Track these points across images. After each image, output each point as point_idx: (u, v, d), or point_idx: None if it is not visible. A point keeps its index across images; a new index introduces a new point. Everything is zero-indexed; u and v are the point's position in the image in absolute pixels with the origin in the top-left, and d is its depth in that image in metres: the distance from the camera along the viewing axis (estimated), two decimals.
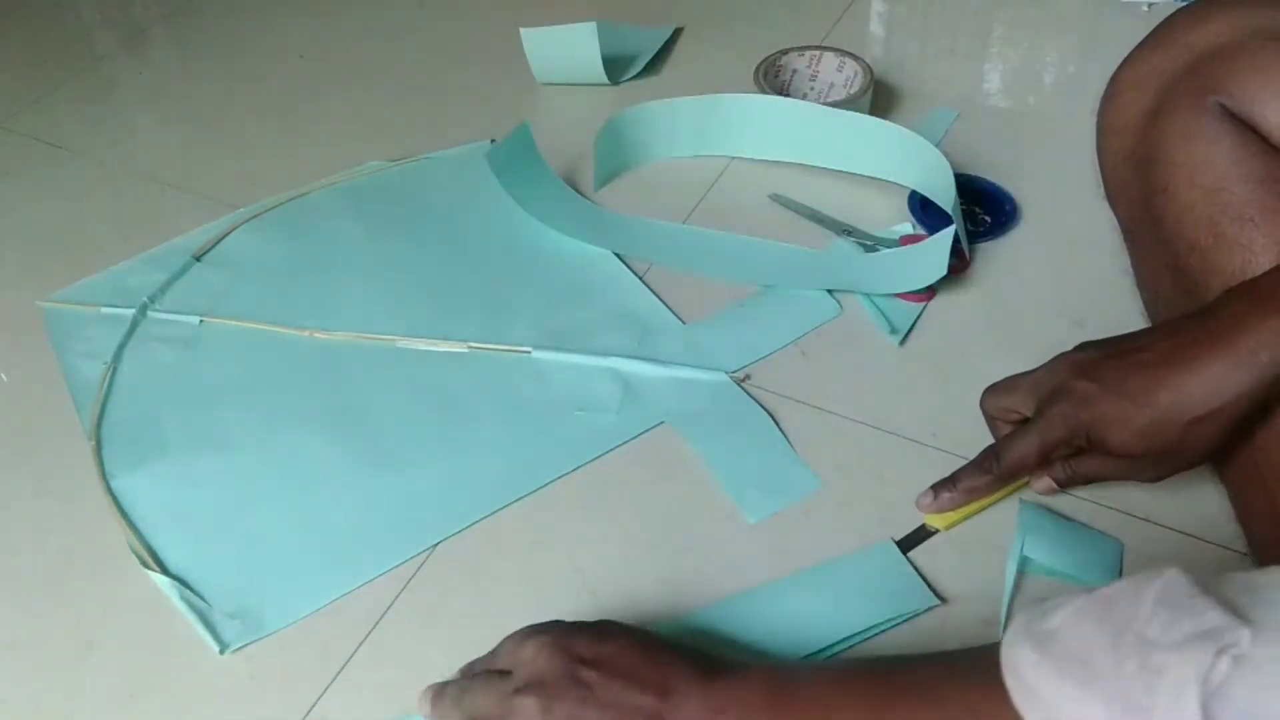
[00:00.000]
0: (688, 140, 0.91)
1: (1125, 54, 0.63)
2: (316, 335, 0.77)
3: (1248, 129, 0.56)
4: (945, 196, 0.79)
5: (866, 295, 0.77)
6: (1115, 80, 0.62)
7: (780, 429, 0.69)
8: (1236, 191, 0.55)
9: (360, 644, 0.60)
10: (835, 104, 0.88)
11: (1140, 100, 0.60)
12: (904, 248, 0.79)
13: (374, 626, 0.60)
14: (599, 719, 0.45)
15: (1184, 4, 0.63)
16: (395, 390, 0.73)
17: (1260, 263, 0.54)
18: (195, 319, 0.78)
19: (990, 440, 0.62)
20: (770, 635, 0.58)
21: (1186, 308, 0.59)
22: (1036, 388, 0.59)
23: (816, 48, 0.93)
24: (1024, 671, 0.35)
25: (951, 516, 0.62)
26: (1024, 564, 0.60)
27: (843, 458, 0.67)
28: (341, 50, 1.08)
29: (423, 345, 0.76)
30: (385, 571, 0.63)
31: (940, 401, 0.70)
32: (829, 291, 0.77)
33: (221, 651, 0.59)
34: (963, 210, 0.84)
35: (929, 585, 0.60)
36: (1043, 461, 0.58)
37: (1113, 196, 0.66)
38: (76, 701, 0.58)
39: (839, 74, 0.92)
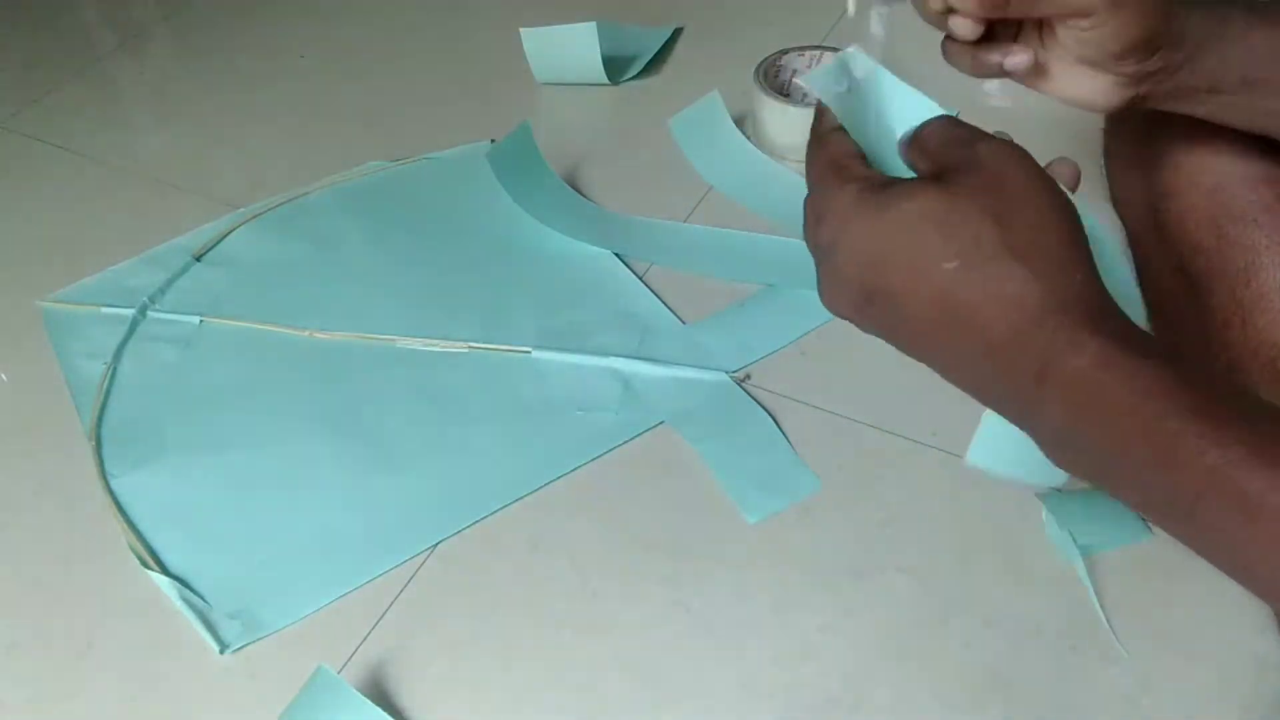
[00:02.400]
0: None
1: None
2: (316, 335, 0.77)
3: (1249, 132, 0.56)
4: None
5: None
6: None
7: (780, 429, 0.69)
8: (1238, 192, 0.55)
9: (360, 644, 0.60)
10: None
11: None
12: None
13: (374, 626, 0.60)
14: None
15: None
16: (395, 390, 0.73)
17: (1264, 263, 0.54)
18: (195, 319, 0.78)
19: None
20: None
21: (1191, 310, 0.59)
22: None
23: (816, 48, 0.93)
24: None
25: None
26: (1085, 552, 0.60)
27: (843, 458, 0.67)
28: (341, 50, 1.08)
29: (423, 345, 0.76)
30: (385, 571, 0.63)
31: (940, 401, 0.70)
32: None
33: (221, 651, 0.59)
34: None
35: None
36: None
37: (1118, 200, 0.66)
38: (76, 701, 0.58)
39: None
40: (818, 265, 0.42)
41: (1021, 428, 0.39)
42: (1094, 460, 0.37)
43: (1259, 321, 0.54)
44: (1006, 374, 0.37)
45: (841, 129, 0.44)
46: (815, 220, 0.42)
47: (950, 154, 0.41)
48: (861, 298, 0.40)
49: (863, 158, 0.43)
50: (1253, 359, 0.55)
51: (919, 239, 0.38)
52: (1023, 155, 0.40)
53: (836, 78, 0.44)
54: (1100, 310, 0.37)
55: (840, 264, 0.40)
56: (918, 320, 0.39)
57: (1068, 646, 0.57)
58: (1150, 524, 0.39)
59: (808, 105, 0.89)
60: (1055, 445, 0.38)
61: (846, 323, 0.76)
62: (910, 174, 0.43)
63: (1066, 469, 0.39)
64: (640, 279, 0.80)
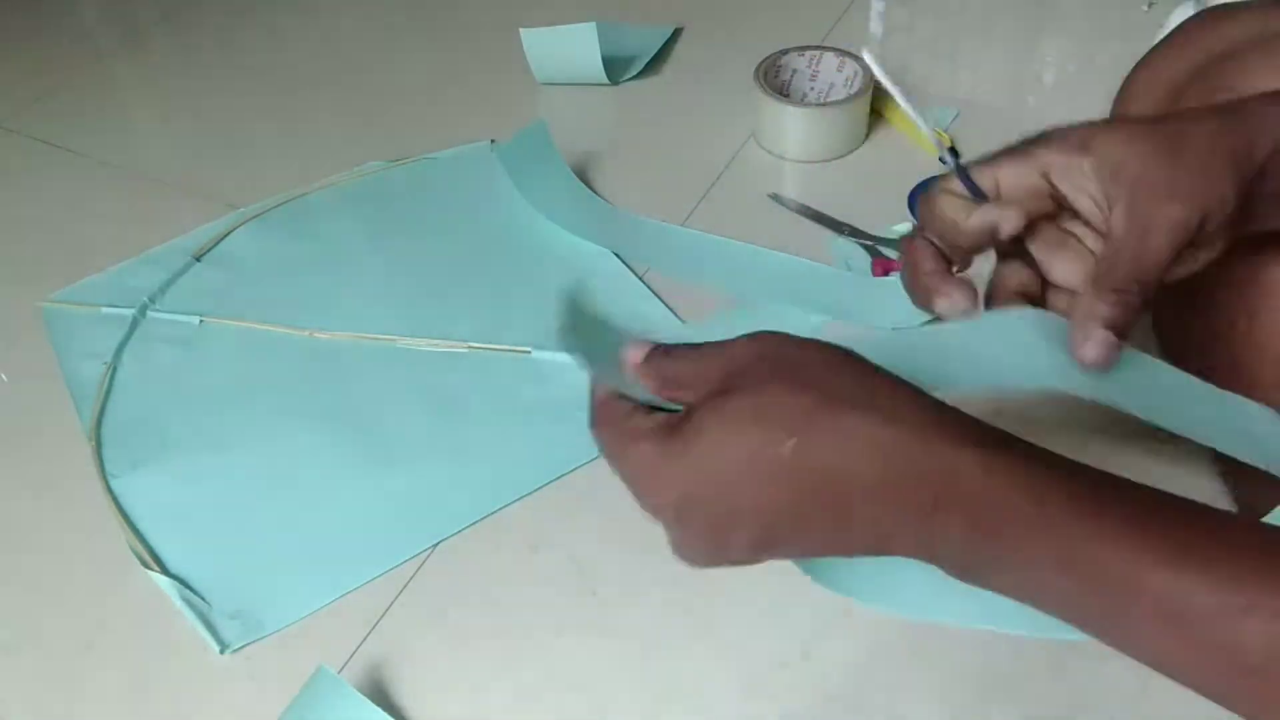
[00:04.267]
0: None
1: (1126, 54, 0.63)
2: (316, 335, 0.77)
3: None
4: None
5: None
6: (1129, 82, 0.62)
7: None
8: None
9: (360, 644, 0.60)
10: (835, 104, 0.88)
11: (1153, 101, 0.60)
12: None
13: (374, 626, 0.60)
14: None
15: (1193, 7, 0.63)
16: (395, 390, 0.73)
17: (1270, 261, 0.54)
18: (195, 319, 0.78)
19: None
20: None
21: (1195, 307, 0.59)
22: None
23: (816, 48, 0.93)
24: None
25: None
26: None
27: None
28: (341, 50, 1.08)
29: (423, 345, 0.76)
30: (385, 571, 0.63)
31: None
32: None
33: (221, 651, 0.59)
34: None
35: None
36: None
37: None
38: (76, 701, 0.58)
39: (839, 74, 0.92)
40: (665, 529, 0.40)
41: (934, 564, 0.37)
42: (1009, 578, 0.36)
43: (1264, 320, 0.54)
44: (898, 513, 0.35)
45: (613, 393, 0.41)
46: (636, 494, 0.40)
47: (707, 367, 0.39)
48: (720, 535, 0.38)
49: (642, 409, 0.40)
50: (1258, 357, 0.55)
51: (743, 443, 0.36)
52: (773, 333, 0.39)
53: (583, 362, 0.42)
54: (954, 423, 0.36)
55: (682, 517, 0.38)
56: (789, 515, 0.36)
57: (1068, 647, 0.57)
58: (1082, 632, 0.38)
59: (808, 105, 0.89)
60: (967, 571, 0.36)
61: (848, 324, 0.76)
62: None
63: (992, 589, 0.37)
64: (640, 279, 0.80)
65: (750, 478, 0.36)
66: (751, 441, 0.36)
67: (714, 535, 0.38)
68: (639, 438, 0.38)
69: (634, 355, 0.41)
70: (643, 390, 0.40)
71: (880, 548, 0.37)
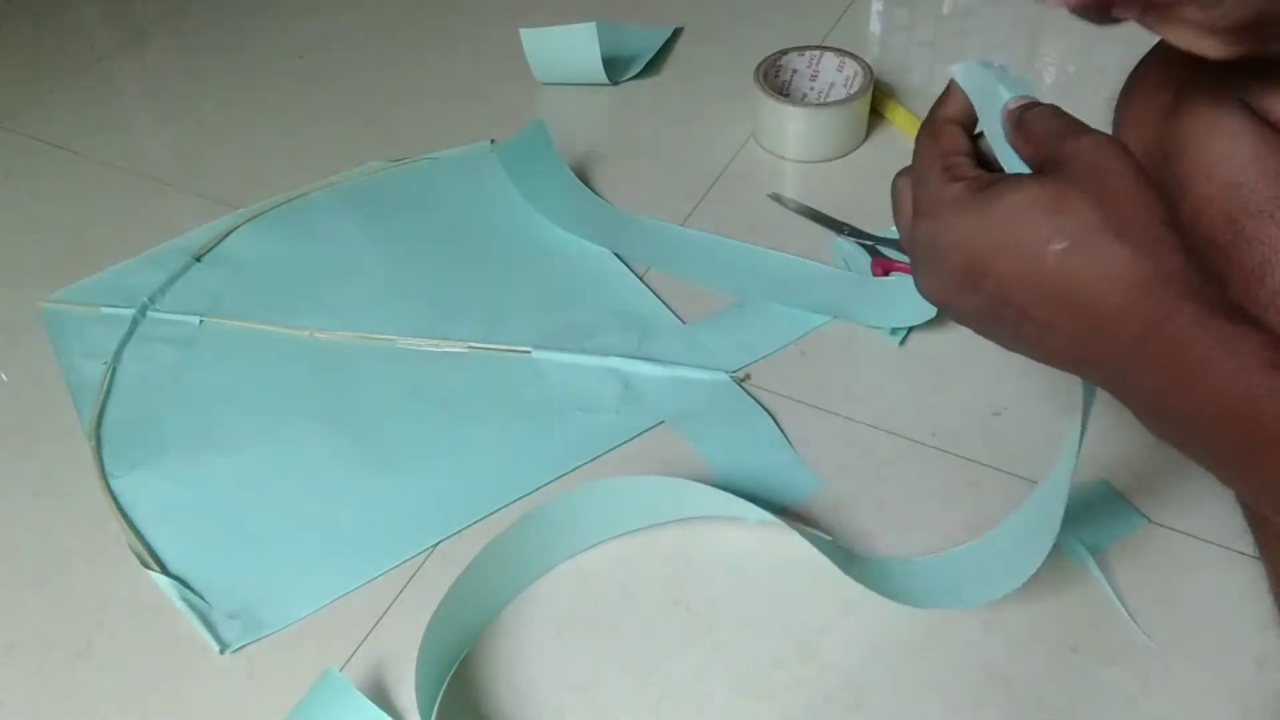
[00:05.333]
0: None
1: (1126, 54, 0.62)
2: (316, 335, 0.77)
3: (1268, 125, 0.55)
4: None
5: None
6: (1134, 75, 0.62)
7: (780, 429, 0.69)
8: (1256, 187, 0.55)
9: (360, 644, 0.60)
10: (835, 104, 0.88)
11: (1159, 95, 0.60)
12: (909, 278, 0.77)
13: (374, 626, 0.60)
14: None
15: None
16: (395, 390, 0.73)
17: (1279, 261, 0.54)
18: (195, 319, 0.78)
19: None
20: None
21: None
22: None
23: (816, 48, 0.93)
24: None
25: None
26: (1094, 551, 0.61)
27: (843, 458, 0.67)
28: (341, 50, 1.08)
29: (423, 345, 0.76)
30: (385, 571, 0.63)
31: (940, 401, 0.70)
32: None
33: (221, 651, 0.59)
34: None
35: None
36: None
37: None
38: (76, 701, 0.58)
39: (839, 74, 0.92)
40: (913, 253, 0.45)
41: (1116, 392, 0.42)
42: (1179, 419, 0.40)
43: (1273, 320, 0.54)
44: (1110, 340, 0.40)
45: (956, 123, 0.46)
46: (916, 212, 0.44)
47: (1053, 145, 0.43)
48: (966, 284, 0.42)
49: (971, 156, 0.45)
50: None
51: (1027, 225, 0.41)
52: (1121, 147, 0.42)
53: (986, 80, 0.47)
54: (1199, 283, 0.40)
55: (943, 255, 0.43)
56: (1025, 300, 0.41)
57: (1068, 647, 0.57)
58: (1226, 485, 0.41)
59: (808, 105, 0.89)
60: (1146, 410, 0.41)
61: (848, 323, 0.76)
62: (1012, 158, 0.45)
63: (1156, 434, 0.41)
64: (640, 279, 0.80)
65: (1014, 255, 0.41)
66: (1033, 228, 0.40)
67: (960, 283, 0.43)
68: (957, 179, 0.43)
69: (1016, 101, 0.45)
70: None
71: (1080, 365, 0.42)
